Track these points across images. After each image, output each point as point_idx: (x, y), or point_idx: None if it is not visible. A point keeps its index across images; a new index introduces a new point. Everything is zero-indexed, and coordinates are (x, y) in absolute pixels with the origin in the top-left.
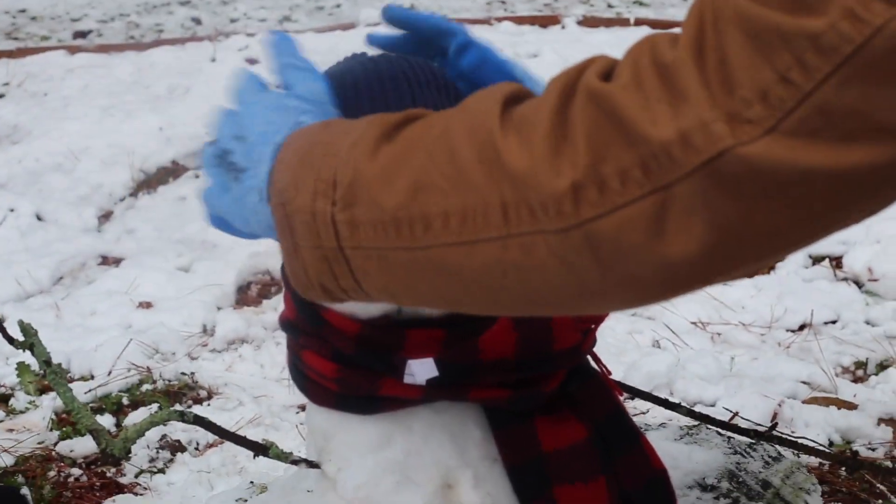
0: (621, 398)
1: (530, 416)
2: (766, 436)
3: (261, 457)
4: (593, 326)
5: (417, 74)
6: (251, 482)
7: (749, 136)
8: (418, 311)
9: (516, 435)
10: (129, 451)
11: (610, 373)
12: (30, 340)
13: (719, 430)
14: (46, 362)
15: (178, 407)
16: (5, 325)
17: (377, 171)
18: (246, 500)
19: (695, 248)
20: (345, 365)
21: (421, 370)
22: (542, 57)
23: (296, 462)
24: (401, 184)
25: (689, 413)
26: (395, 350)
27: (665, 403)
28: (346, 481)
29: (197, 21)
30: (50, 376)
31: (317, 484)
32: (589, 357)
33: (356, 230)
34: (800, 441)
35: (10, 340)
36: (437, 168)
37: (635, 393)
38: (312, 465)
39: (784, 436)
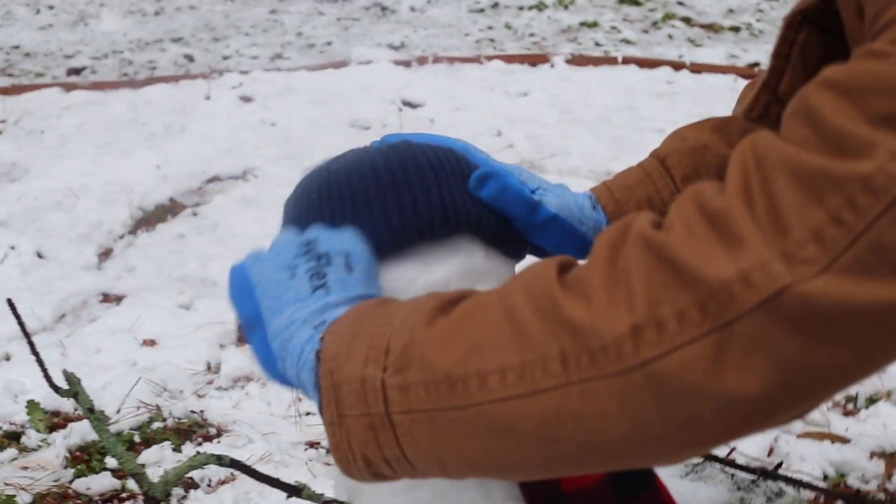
0: None
1: None
2: (772, 474)
3: (272, 492)
4: None
5: (442, 163)
6: None
7: (806, 275)
8: None
9: None
10: (170, 494)
11: None
12: (74, 388)
13: (724, 467)
14: (90, 409)
15: (209, 449)
16: (19, 364)
17: (432, 337)
18: None
19: (755, 384)
20: None
21: None
22: (532, 95)
23: (328, 503)
24: (456, 345)
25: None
26: None
27: None
28: None
29: (189, 58)
30: (93, 422)
31: None
32: None
33: (406, 393)
34: (802, 479)
35: (56, 389)
36: (494, 327)
37: None
38: None
39: (787, 475)
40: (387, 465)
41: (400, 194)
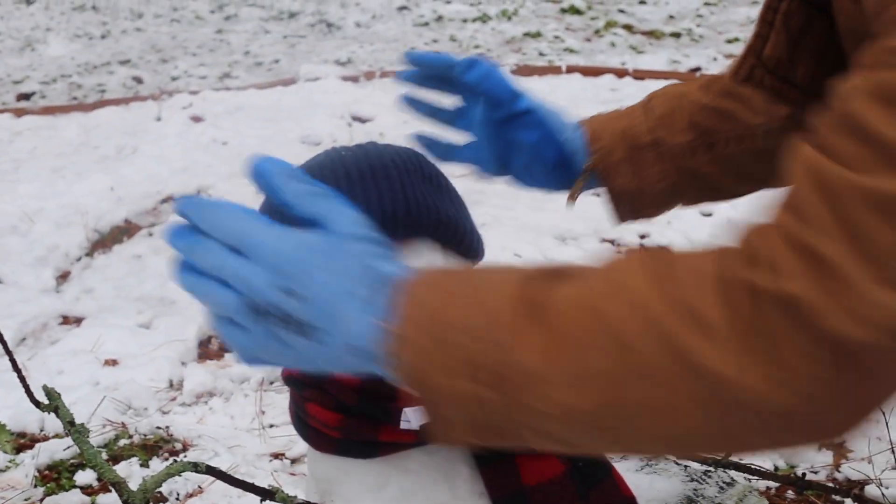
0: None
1: (512, 454)
2: (724, 463)
3: (245, 503)
4: None
5: (406, 163)
6: None
7: None
8: None
9: (500, 471)
10: (149, 501)
11: None
12: (54, 403)
13: (676, 460)
14: (71, 423)
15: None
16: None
17: (540, 365)
18: None
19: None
20: (347, 415)
21: (416, 417)
22: None
23: None
24: (579, 383)
25: None
26: (392, 400)
27: None
28: None
29: (138, 80)
30: (74, 435)
31: None
32: None
33: (525, 413)
34: (753, 467)
35: (37, 404)
36: (610, 360)
37: None
38: None
39: (741, 463)
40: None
41: (367, 188)
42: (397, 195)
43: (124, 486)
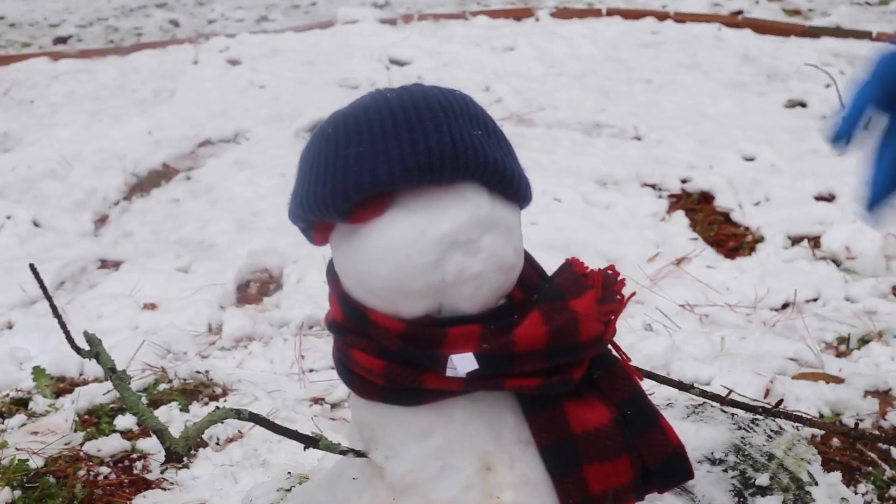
0: (640, 382)
1: (559, 401)
2: (774, 412)
3: (285, 448)
4: (613, 317)
5: (452, 105)
6: (289, 472)
7: None
8: (457, 309)
9: (548, 419)
10: (191, 448)
11: (629, 359)
12: (95, 349)
13: (723, 408)
14: (112, 369)
15: (227, 406)
16: (22, 331)
17: None
18: (288, 490)
19: None
20: (391, 361)
21: (462, 364)
22: (518, 49)
23: (344, 452)
24: None
25: (702, 394)
26: (437, 346)
27: (679, 385)
28: (394, 468)
29: (175, 23)
30: (115, 381)
31: (361, 472)
32: (609, 346)
33: None
34: (805, 416)
35: (78, 350)
36: None
37: (652, 377)
38: (359, 454)
39: (790, 412)
40: None
41: (413, 130)
42: (444, 137)
43: (166, 432)
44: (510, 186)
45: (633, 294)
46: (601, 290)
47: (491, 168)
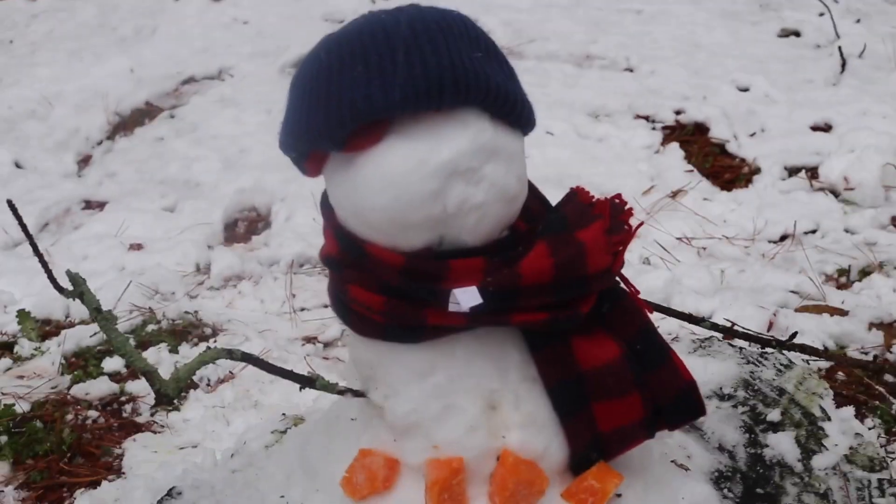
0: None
1: (567, 337)
2: (787, 344)
3: (277, 389)
4: (621, 248)
5: (452, 25)
6: (283, 414)
7: None
8: (459, 241)
9: (555, 355)
10: (182, 390)
11: (638, 292)
12: (79, 289)
13: (730, 342)
14: (97, 309)
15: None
16: (6, 274)
17: None
18: (283, 432)
19: None
20: (390, 296)
21: (465, 298)
22: None
23: (342, 392)
24: None
25: (713, 327)
26: (439, 280)
27: (691, 319)
28: (394, 408)
29: None
30: (101, 322)
31: (360, 413)
32: (618, 278)
33: None
34: (821, 350)
35: (61, 290)
36: None
37: (663, 310)
38: (358, 394)
39: (803, 344)
40: None
41: (409, 52)
42: (443, 60)
43: (156, 374)
44: (513, 111)
45: (641, 223)
46: (608, 220)
47: (493, 92)
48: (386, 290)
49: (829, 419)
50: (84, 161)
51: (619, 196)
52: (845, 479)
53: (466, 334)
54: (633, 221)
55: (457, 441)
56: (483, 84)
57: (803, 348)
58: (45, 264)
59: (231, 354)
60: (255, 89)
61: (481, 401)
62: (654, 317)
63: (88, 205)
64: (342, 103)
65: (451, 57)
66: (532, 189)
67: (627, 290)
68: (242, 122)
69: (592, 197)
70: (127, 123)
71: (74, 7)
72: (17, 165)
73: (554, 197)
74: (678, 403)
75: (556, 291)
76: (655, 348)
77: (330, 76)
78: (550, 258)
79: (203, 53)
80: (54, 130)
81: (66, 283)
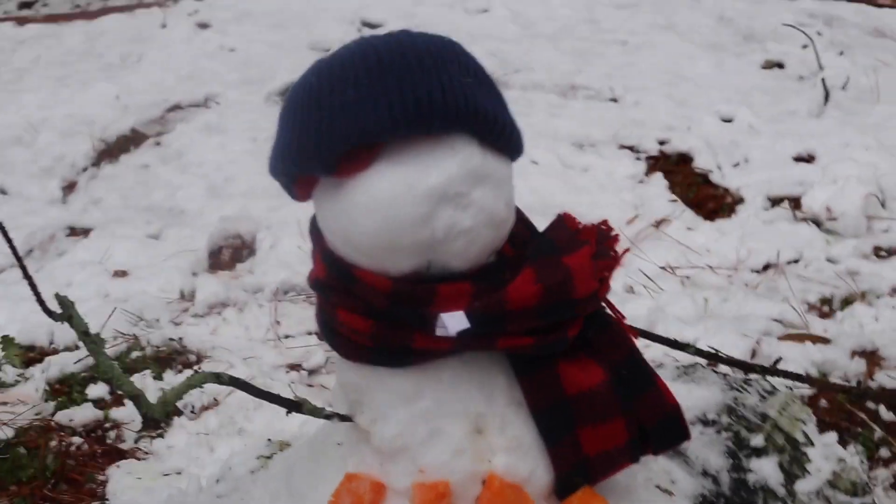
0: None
1: (553, 362)
2: (770, 371)
3: (262, 415)
4: (608, 274)
5: (441, 51)
6: (269, 439)
7: None
8: (447, 266)
9: (541, 380)
10: (169, 414)
11: (624, 318)
12: (68, 312)
13: (714, 368)
14: (85, 333)
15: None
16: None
17: None
18: (268, 457)
19: None
20: (378, 320)
21: (452, 323)
22: (493, 11)
23: (329, 416)
24: None
25: (698, 352)
26: (426, 305)
27: (675, 345)
28: (381, 432)
29: None
30: (89, 345)
31: (346, 437)
32: (603, 304)
33: None
34: (804, 375)
35: (50, 313)
36: None
37: (649, 336)
38: (344, 418)
39: (785, 371)
40: None
41: (400, 77)
42: (433, 85)
43: (143, 398)
44: (501, 137)
45: (628, 250)
46: (595, 246)
47: (482, 117)
48: (374, 315)
49: (812, 444)
50: (69, 187)
51: (605, 222)
52: None
53: (453, 358)
54: (620, 248)
55: (443, 465)
56: (472, 109)
57: (787, 374)
58: (34, 287)
59: (219, 378)
60: (240, 117)
61: (467, 425)
62: (642, 343)
63: (73, 231)
64: (333, 128)
65: (440, 82)
66: (519, 215)
67: (613, 315)
68: (228, 150)
69: (579, 223)
70: (112, 150)
71: (61, 33)
72: (2, 192)
73: (539, 226)
74: (663, 428)
75: (543, 316)
76: (641, 373)
77: (321, 101)
78: (537, 283)
79: (189, 81)
80: (39, 157)
81: (54, 307)
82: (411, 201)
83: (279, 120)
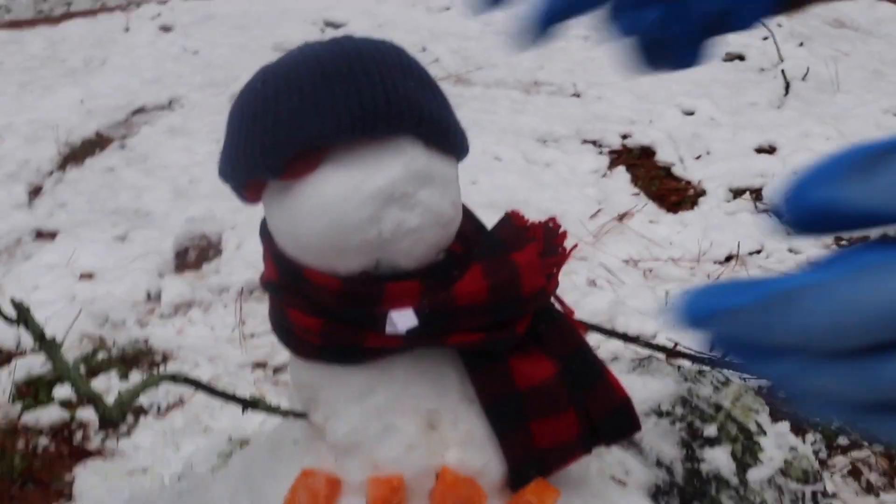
0: (585, 335)
1: (503, 357)
2: (721, 363)
3: (227, 414)
4: (556, 270)
5: (385, 55)
6: (229, 437)
7: None
8: (395, 265)
9: (492, 375)
10: (126, 414)
11: (573, 312)
12: (24, 316)
13: (669, 360)
14: (41, 336)
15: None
16: None
17: None
18: (229, 455)
19: None
20: (328, 319)
21: (401, 320)
22: (455, 9)
23: (284, 414)
24: None
25: (647, 345)
26: (375, 303)
27: (624, 337)
28: (335, 429)
29: None
30: (45, 348)
31: (302, 434)
32: (553, 299)
33: None
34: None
35: (5, 318)
36: None
37: (598, 330)
38: (299, 416)
39: (735, 363)
40: None
41: (344, 82)
42: (377, 89)
43: (99, 399)
44: (446, 138)
45: (576, 246)
46: (542, 243)
47: (426, 120)
48: (323, 314)
49: (764, 434)
50: (35, 192)
51: (553, 220)
52: (780, 492)
53: (405, 355)
54: (568, 244)
55: (396, 460)
56: (416, 112)
57: (735, 366)
58: None
59: (174, 379)
60: (205, 119)
61: (420, 420)
62: (598, 338)
63: (39, 235)
64: (279, 132)
65: (384, 86)
66: (467, 213)
67: (563, 310)
68: (193, 152)
69: (527, 221)
70: (77, 154)
71: (24, 39)
72: None
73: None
74: (613, 419)
75: (492, 312)
76: (590, 366)
77: (266, 105)
78: (485, 280)
79: (153, 84)
80: (4, 162)
81: (10, 311)
82: (358, 203)
83: (227, 125)
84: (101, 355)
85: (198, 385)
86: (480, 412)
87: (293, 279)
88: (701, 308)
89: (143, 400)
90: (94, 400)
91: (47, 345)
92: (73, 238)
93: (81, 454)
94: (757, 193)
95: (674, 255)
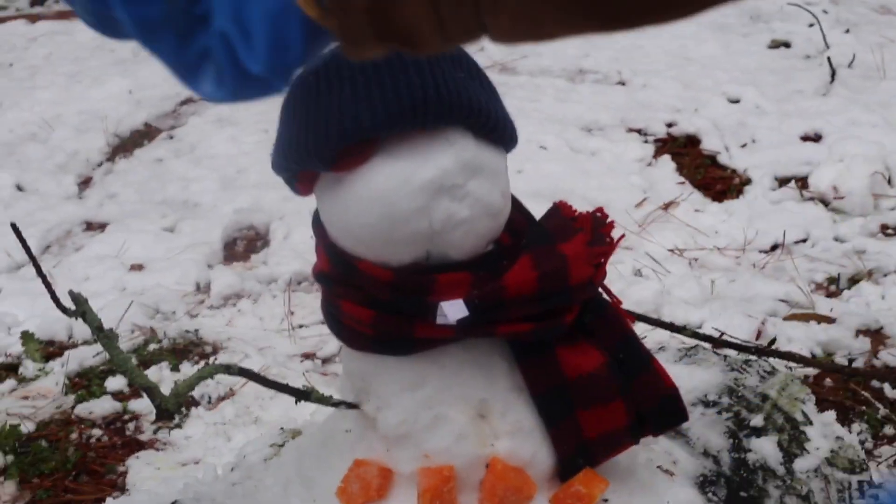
0: (632, 325)
1: (552, 347)
2: (766, 351)
3: (277, 404)
4: (603, 260)
5: None
6: (281, 428)
7: None
8: (446, 256)
9: (540, 365)
10: (182, 405)
11: (621, 302)
12: (81, 308)
13: (715, 350)
14: (99, 328)
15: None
16: (10, 296)
17: None
18: (281, 445)
19: None
20: (380, 310)
21: (452, 311)
22: None
23: (336, 404)
24: None
25: (694, 335)
26: (426, 294)
27: (671, 327)
28: (386, 419)
29: None
30: (102, 340)
31: (354, 424)
32: (600, 289)
33: None
34: (797, 355)
35: (64, 310)
36: None
37: (644, 320)
38: (351, 406)
39: (782, 351)
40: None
41: (395, 74)
42: (427, 80)
43: (156, 390)
44: (495, 129)
45: (623, 236)
46: (590, 233)
47: (475, 111)
48: (375, 305)
49: (810, 423)
50: (84, 183)
51: (600, 209)
52: (826, 482)
53: (455, 346)
54: (615, 234)
55: (447, 449)
56: (466, 103)
57: (781, 354)
58: (48, 284)
59: (228, 369)
60: (252, 109)
61: (470, 410)
62: (645, 327)
63: (89, 226)
64: (330, 124)
65: (434, 77)
66: (516, 203)
67: (610, 300)
68: (240, 142)
69: (575, 211)
70: (126, 145)
71: (73, 30)
72: (19, 188)
73: (540, 213)
74: (661, 409)
75: (541, 302)
76: (638, 356)
77: (318, 98)
78: (534, 270)
79: None
80: (54, 153)
81: (68, 303)
82: (408, 194)
83: (280, 117)
84: (152, 346)
85: (252, 376)
86: (529, 402)
87: (345, 270)
88: None
89: (195, 391)
90: (151, 391)
91: (104, 336)
92: (122, 229)
93: (134, 445)
94: (802, 181)
95: (719, 245)
